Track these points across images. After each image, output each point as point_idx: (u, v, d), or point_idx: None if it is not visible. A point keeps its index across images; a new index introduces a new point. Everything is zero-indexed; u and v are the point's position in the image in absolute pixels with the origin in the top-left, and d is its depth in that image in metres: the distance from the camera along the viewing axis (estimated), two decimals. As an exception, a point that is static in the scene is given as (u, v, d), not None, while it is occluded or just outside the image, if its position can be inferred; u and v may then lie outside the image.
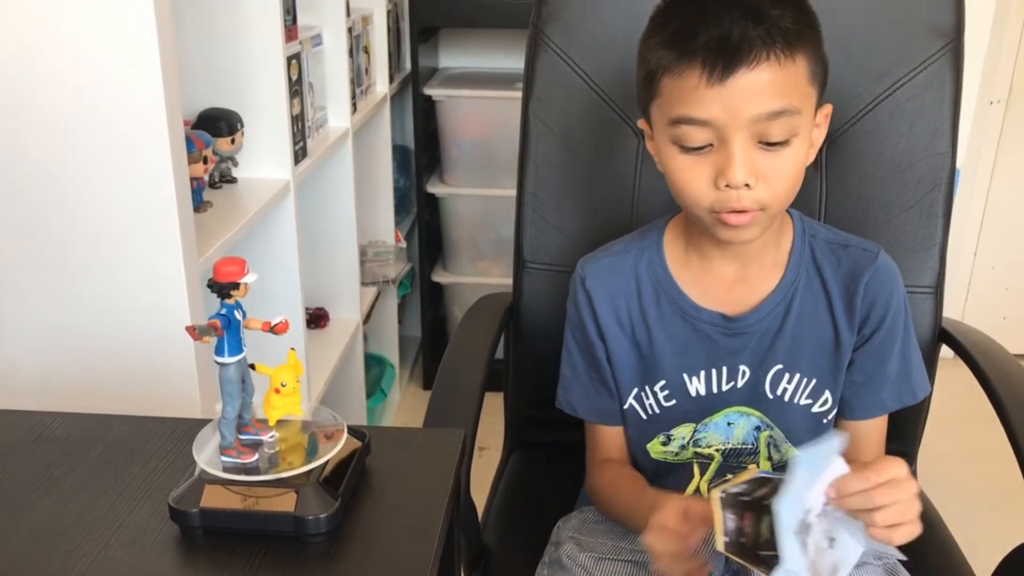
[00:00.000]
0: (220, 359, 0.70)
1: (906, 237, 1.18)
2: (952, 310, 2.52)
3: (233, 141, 1.31)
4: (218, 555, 0.65)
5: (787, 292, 0.94)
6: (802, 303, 0.94)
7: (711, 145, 0.83)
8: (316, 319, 1.79)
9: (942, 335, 1.19)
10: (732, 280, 0.95)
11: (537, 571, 0.99)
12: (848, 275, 0.94)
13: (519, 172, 1.26)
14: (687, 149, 0.84)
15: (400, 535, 0.67)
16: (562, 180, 1.25)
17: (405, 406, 2.34)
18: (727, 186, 0.82)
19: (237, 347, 0.70)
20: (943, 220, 1.18)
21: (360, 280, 1.96)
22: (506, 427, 1.35)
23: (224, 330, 0.69)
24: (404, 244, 2.23)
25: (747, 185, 0.82)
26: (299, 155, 1.41)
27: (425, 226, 2.33)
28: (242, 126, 1.33)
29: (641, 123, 0.93)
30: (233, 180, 1.35)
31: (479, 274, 2.36)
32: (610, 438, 1.01)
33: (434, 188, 2.29)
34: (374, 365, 2.20)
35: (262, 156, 1.35)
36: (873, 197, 1.18)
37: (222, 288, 0.68)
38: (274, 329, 0.70)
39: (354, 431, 0.75)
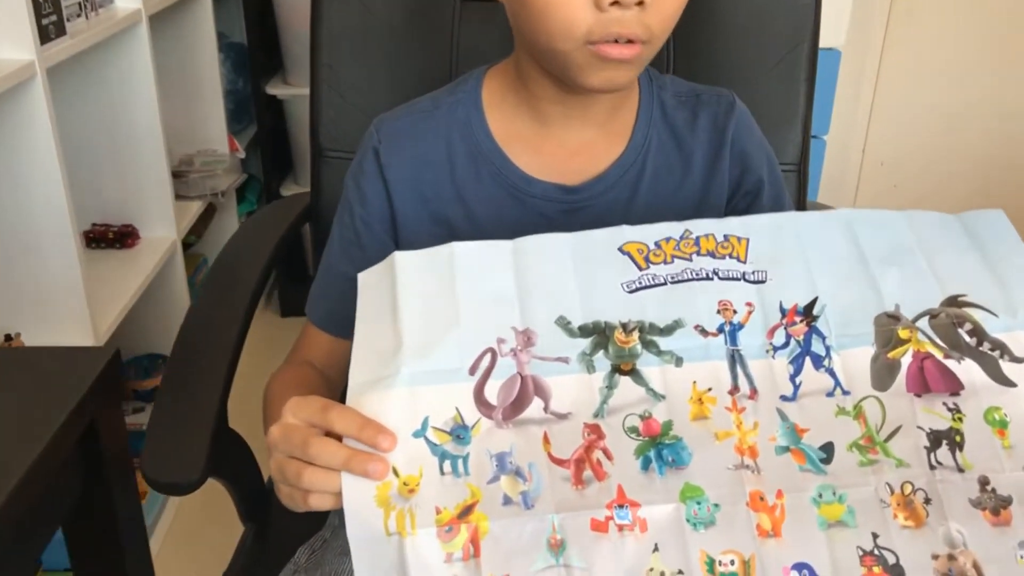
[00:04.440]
0: None
1: (767, 106, 1.00)
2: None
3: (-53, 9, 1.04)
4: None
5: (637, 155, 0.78)
6: (655, 168, 0.78)
7: None
8: (122, 238, 1.55)
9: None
10: (573, 148, 0.77)
11: (330, 519, 0.80)
12: (709, 129, 0.79)
13: (311, 42, 1.04)
14: None
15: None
16: (364, 50, 1.04)
17: (257, 334, 2.12)
18: (614, 3, 0.64)
19: None
20: (806, 87, 1.02)
21: (183, 193, 1.73)
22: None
23: None
24: (242, 154, 1.98)
25: (639, 3, 0.64)
26: (50, 32, 1.15)
27: (268, 133, 2.08)
28: (-41, -9, 1.06)
29: None
30: (-42, 62, 1.08)
31: (334, 186, 2.12)
32: (325, 347, 0.81)
33: (276, 89, 2.04)
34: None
35: (-7, 31, 1.08)
36: (729, 57, 1.01)
37: None
38: None
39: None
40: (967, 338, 0.59)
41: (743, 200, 0.79)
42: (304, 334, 0.83)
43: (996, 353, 0.58)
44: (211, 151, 1.89)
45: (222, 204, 1.91)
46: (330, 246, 0.81)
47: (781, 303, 0.58)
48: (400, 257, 0.59)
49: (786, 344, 0.57)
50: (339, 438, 0.54)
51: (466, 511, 0.51)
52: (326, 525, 0.80)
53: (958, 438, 0.55)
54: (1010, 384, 0.57)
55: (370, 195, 0.78)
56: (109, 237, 1.55)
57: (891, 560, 0.51)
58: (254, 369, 1.05)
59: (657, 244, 0.60)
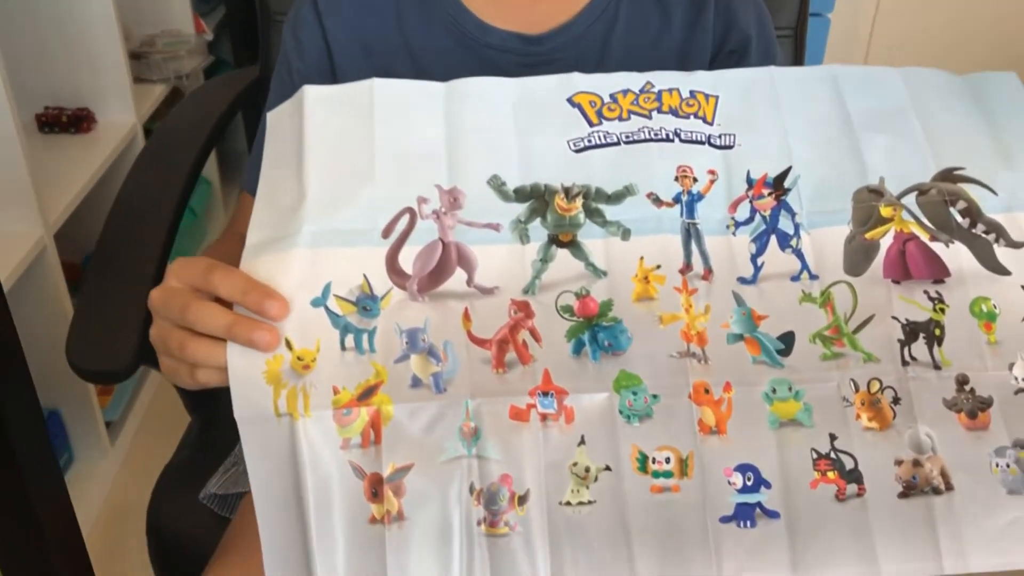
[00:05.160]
0: None
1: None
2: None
3: None
4: None
5: (609, 2, 0.69)
6: (629, 18, 0.69)
7: None
8: (77, 121, 1.46)
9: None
10: None
11: None
12: None
13: None
14: None
15: None
16: None
17: (233, 228, 2.05)
18: None
19: None
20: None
21: (144, 76, 1.64)
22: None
23: None
24: (209, 35, 1.86)
25: None
26: None
27: (238, 14, 1.96)
28: None
29: None
30: None
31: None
32: None
33: (244, -35, 1.90)
34: (186, 181, 1.89)
35: None
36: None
37: None
38: None
39: None
40: (959, 218, 0.52)
41: (728, 59, 0.71)
42: (239, 206, 0.76)
43: (991, 236, 0.51)
44: (175, 32, 1.78)
45: (188, 88, 1.81)
46: (268, 107, 0.74)
47: (749, 172, 0.51)
48: (311, 92, 0.51)
49: (750, 219, 0.50)
50: (231, 307, 0.47)
51: (368, 392, 0.45)
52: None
53: (937, 331, 0.48)
54: (1004, 272, 0.50)
55: (308, 46, 0.70)
56: (63, 121, 1.46)
57: (848, 465, 0.46)
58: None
59: (613, 97, 0.52)
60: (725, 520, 0.44)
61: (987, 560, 0.44)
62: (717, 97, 0.52)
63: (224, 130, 0.92)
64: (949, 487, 0.45)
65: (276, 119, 0.52)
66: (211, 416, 0.86)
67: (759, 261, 0.49)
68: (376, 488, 0.44)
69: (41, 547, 0.57)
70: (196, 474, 0.75)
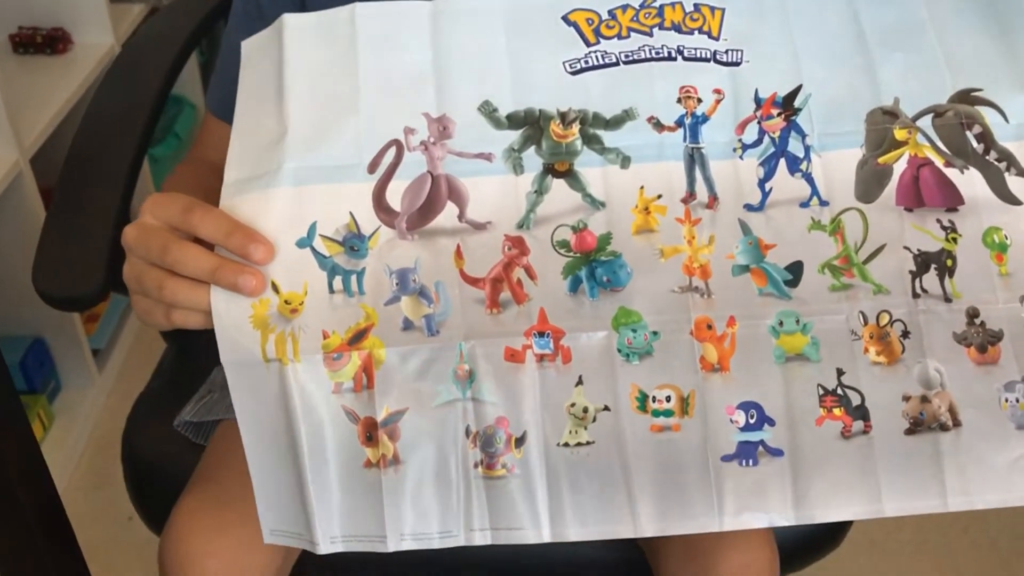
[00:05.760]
0: None
1: None
2: None
3: None
4: None
5: None
6: None
7: None
8: (52, 42, 1.41)
9: None
10: None
11: None
12: None
13: None
14: None
15: None
16: None
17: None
18: None
19: None
20: None
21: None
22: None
23: None
24: (190, -49, 1.78)
25: None
26: None
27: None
28: None
29: None
30: None
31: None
32: (225, 140, 0.70)
33: None
34: (168, 105, 1.83)
35: None
36: None
37: None
38: None
39: None
40: (974, 143, 0.49)
41: None
42: (204, 127, 0.73)
43: (1003, 165, 0.49)
44: (153, -53, 1.70)
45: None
46: (231, 20, 0.69)
47: (757, 91, 0.48)
48: (290, 20, 0.48)
49: (758, 142, 0.47)
50: (212, 247, 0.45)
51: (358, 336, 0.43)
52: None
53: (949, 262, 0.46)
54: (1015, 201, 0.48)
55: None
56: (37, 41, 1.41)
57: (855, 401, 0.44)
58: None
59: (611, 13, 0.48)
60: (726, 459, 0.43)
61: (993, 496, 0.44)
62: (723, 10, 0.49)
63: (197, 45, 0.88)
64: (956, 423, 0.44)
65: (251, 49, 0.49)
66: (187, 344, 0.84)
67: (767, 186, 0.47)
68: (370, 432, 0.43)
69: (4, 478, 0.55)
70: (171, 402, 0.74)
